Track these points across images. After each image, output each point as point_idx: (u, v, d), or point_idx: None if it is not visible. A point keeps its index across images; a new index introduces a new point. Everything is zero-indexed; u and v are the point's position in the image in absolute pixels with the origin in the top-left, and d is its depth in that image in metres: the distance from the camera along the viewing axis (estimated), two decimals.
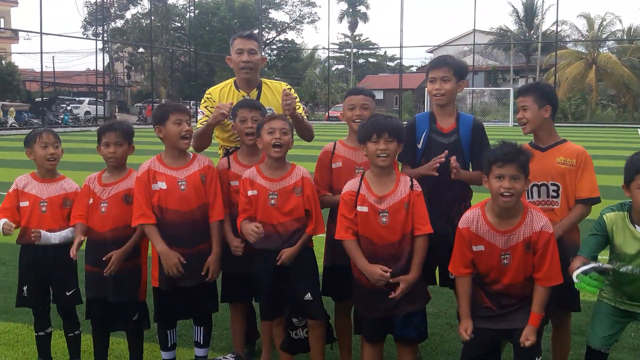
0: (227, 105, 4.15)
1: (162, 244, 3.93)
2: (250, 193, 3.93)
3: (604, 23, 54.06)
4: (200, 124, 4.41)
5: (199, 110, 4.60)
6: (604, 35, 54.62)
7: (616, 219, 3.52)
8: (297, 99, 4.52)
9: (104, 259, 3.96)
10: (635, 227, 3.47)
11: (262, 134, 3.94)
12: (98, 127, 4.35)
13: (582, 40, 54.57)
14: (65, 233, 4.09)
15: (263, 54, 4.67)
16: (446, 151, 3.88)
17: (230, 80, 4.67)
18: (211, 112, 4.34)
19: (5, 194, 4.28)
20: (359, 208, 3.67)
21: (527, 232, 3.44)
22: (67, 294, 4.17)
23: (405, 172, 3.92)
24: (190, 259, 3.97)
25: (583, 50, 54.11)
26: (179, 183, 3.99)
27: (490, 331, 3.54)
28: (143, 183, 4.00)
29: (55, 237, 4.06)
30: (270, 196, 3.90)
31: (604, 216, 3.56)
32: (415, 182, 3.72)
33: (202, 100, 4.63)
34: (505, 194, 3.33)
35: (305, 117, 4.50)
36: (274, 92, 4.59)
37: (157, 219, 3.97)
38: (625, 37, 55.00)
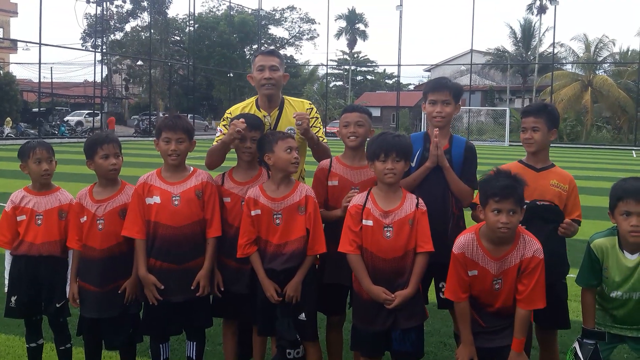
0: (241, 123, 4.05)
1: (143, 267, 3.95)
2: (254, 213, 3.92)
3: (600, 45, 54.50)
4: (216, 141, 4.36)
5: (217, 127, 4.55)
6: (600, 58, 55.03)
7: (605, 245, 3.55)
8: (319, 120, 4.52)
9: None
10: (623, 253, 3.50)
11: (277, 151, 3.92)
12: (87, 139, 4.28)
13: (579, 62, 54.93)
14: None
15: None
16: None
17: (252, 99, 4.61)
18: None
19: (1, 204, 4.27)
20: (364, 222, 3.71)
21: (519, 257, 3.48)
22: (57, 305, 4.13)
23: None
24: (180, 275, 3.96)
25: (579, 72, 54.44)
26: (173, 198, 3.98)
27: (480, 350, 3.57)
28: (137, 195, 4.01)
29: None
30: (275, 216, 3.91)
31: (591, 245, 3.60)
32: (420, 200, 3.76)
33: (221, 119, 4.59)
34: (502, 229, 3.37)
35: (323, 139, 4.42)
36: (297, 110, 4.47)
37: (150, 233, 3.97)
38: (621, 60, 55.39)
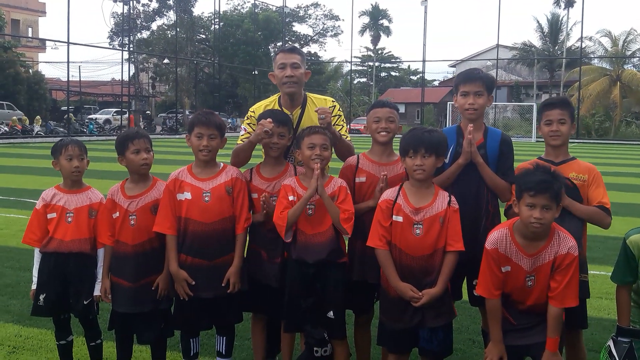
0: (269, 123, 4.05)
1: (174, 262, 3.98)
2: (291, 198, 3.93)
3: (629, 39, 53.61)
4: (241, 140, 4.36)
5: (241, 126, 4.56)
6: (629, 52, 54.13)
7: None
8: (342, 118, 4.49)
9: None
10: None
11: (302, 147, 3.96)
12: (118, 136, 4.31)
13: (608, 56, 54.08)
14: (100, 263, 4.18)
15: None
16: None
17: (275, 97, 4.60)
18: (253, 130, 4.31)
19: (30, 201, 4.32)
20: (394, 217, 3.69)
21: (553, 254, 3.42)
22: (85, 302, 4.15)
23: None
24: (211, 271, 3.98)
25: (607, 67, 53.61)
26: (204, 194, 4.00)
27: (510, 348, 3.52)
28: (168, 191, 4.05)
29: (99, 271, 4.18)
30: (308, 206, 3.92)
31: (627, 241, 3.54)
32: (453, 198, 3.71)
33: (245, 117, 4.59)
34: (535, 224, 3.32)
35: (346, 136, 4.39)
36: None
37: (181, 229, 4.00)
38: None
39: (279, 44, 63.47)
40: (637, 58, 55.47)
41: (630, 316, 3.59)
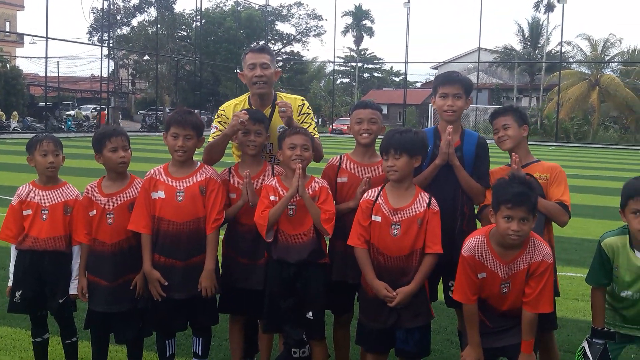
0: (244, 114, 4.04)
1: (148, 262, 3.95)
2: (272, 198, 3.92)
3: (607, 44, 54.25)
4: (212, 137, 4.35)
5: (212, 125, 4.53)
6: (607, 57, 54.78)
7: (616, 244, 3.53)
8: (310, 116, 4.49)
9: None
10: (634, 252, 3.48)
11: (283, 147, 3.95)
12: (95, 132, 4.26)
13: (587, 61, 54.69)
14: (75, 260, 4.12)
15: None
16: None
17: (245, 96, 4.58)
18: (224, 128, 4.30)
19: (6, 198, 4.26)
20: (373, 217, 3.71)
21: (528, 262, 3.46)
22: (60, 301, 4.10)
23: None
24: (184, 271, 3.95)
25: (586, 71, 54.17)
26: (177, 193, 3.97)
27: (486, 350, 3.57)
28: (144, 190, 4.01)
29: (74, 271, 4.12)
30: (289, 206, 3.90)
31: (601, 244, 3.58)
32: (433, 200, 3.72)
33: (216, 116, 4.57)
34: (513, 236, 3.34)
35: (315, 134, 4.34)
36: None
37: (155, 229, 3.97)
38: (629, 59, 55.13)
39: (262, 42, 63.31)
40: (616, 63, 56.15)
41: (605, 318, 3.63)
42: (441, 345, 5.04)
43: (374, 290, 3.67)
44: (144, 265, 3.97)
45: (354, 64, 73.12)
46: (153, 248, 3.98)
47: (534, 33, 61.44)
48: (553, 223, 3.96)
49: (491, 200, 3.50)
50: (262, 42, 60.44)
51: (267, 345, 4.21)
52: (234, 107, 4.50)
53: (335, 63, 63.28)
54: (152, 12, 59.26)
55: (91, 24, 59.94)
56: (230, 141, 4.27)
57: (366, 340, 3.85)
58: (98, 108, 48.29)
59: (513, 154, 3.93)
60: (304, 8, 74.48)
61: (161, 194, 3.98)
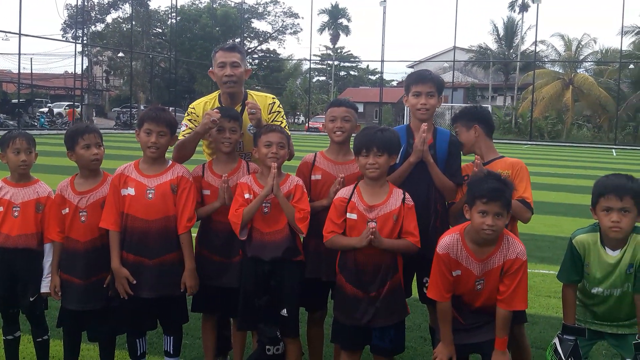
0: (216, 113, 4.02)
1: (117, 259, 3.91)
2: (247, 196, 3.90)
3: (581, 44, 54.98)
4: (183, 135, 4.32)
5: (182, 122, 4.49)
6: (581, 57, 55.51)
7: (587, 241, 3.57)
8: (281, 114, 4.48)
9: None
10: (605, 249, 3.52)
11: (259, 145, 3.93)
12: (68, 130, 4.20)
13: (561, 60, 55.36)
14: (47, 258, 4.06)
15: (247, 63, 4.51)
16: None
17: (215, 94, 4.55)
18: (194, 126, 4.28)
19: None
20: (348, 215, 3.71)
21: (502, 259, 3.50)
22: (31, 299, 4.05)
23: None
24: (152, 270, 3.91)
25: (560, 71, 54.83)
26: (147, 191, 3.93)
27: (459, 346, 3.60)
28: (113, 186, 3.97)
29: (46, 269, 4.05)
30: (264, 205, 3.89)
31: (572, 241, 3.62)
32: (407, 195, 3.74)
33: (186, 114, 4.53)
34: (487, 231, 3.38)
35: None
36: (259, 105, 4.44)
37: (124, 226, 3.93)
38: (602, 59, 55.92)
39: (238, 40, 63.11)
40: (590, 63, 56.92)
41: (576, 314, 3.67)
42: (415, 342, 5.07)
43: (360, 239, 3.59)
44: (112, 262, 3.93)
45: (330, 62, 73.18)
46: (121, 245, 3.94)
47: (509, 32, 62.03)
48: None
49: (466, 196, 3.53)
50: (237, 40, 60.33)
51: (241, 343, 4.20)
52: (204, 105, 4.48)
53: (312, 61, 63.29)
54: (127, 8, 58.79)
55: (65, 21, 59.36)
56: (201, 139, 4.24)
57: (341, 338, 3.85)
58: (71, 105, 47.64)
59: (476, 156, 4.01)
60: (281, 6, 74.11)
61: (131, 191, 3.94)
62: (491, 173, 3.52)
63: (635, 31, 47.08)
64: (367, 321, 3.68)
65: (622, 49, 46.96)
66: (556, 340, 3.64)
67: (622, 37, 46.43)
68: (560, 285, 3.76)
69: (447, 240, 3.56)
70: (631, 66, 49.99)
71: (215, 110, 4.07)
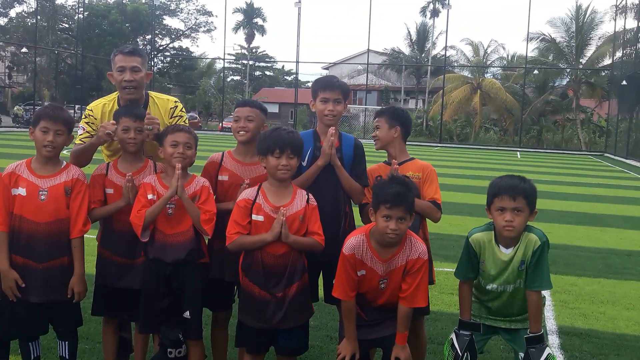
0: (111, 125, 3.91)
1: (5, 260, 3.73)
2: (150, 197, 3.80)
3: (489, 50, 57.15)
4: (80, 140, 4.16)
5: (79, 125, 4.31)
6: (489, 62, 57.67)
7: (482, 239, 3.70)
8: (184, 118, 4.41)
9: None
10: (499, 247, 3.66)
11: (165, 144, 3.84)
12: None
13: (470, 65, 57.26)
14: None
15: (156, 60, 4.39)
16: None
17: (114, 95, 4.38)
18: (92, 129, 4.14)
19: None
20: (254, 217, 3.68)
21: (405, 259, 3.59)
22: None
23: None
24: (41, 274, 3.76)
25: (469, 75, 56.76)
26: (40, 192, 3.77)
27: (362, 342, 3.69)
28: (3, 185, 3.78)
29: None
30: (168, 206, 3.81)
31: (469, 239, 3.74)
32: (311, 196, 3.77)
33: (83, 116, 4.35)
34: (391, 235, 3.46)
35: None
36: (160, 109, 4.35)
37: (14, 227, 3.75)
38: (508, 65, 58.26)
39: (149, 36, 61.77)
40: (496, 68, 59.20)
41: (472, 310, 3.79)
42: (321, 341, 5.10)
43: (273, 229, 3.59)
44: (1, 265, 3.74)
45: (245, 62, 72.79)
46: (11, 247, 3.76)
47: (421, 37, 63.61)
48: (427, 220, 4.15)
49: (371, 200, 3.60)
50: (148, 37, 58.95)
51: (142, 346, 4.10)
52: (102, 107, 4.32)
53: (226, 60, 62.69)
54: (32, 2, 56.44)
55: None
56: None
57: (247, 341, 3.82)
58: None
59: (393, 159, 4.10)
60: (193, 3, 73.37)
61: (22, 191, 3.76)
62: (394, 177, 3.60)
63: (540, 38, 49.25)
64: (276, 322, 3.67)
65: (528, 54, 49.04)
66: (453, 336, 3.75)
67: (527, 44, 48.51)
68: (457, 281, 3.88)
69: (353, 241, 3.61)
70: (535, 71, 52.29)
71: (111, 122, 3.94)
